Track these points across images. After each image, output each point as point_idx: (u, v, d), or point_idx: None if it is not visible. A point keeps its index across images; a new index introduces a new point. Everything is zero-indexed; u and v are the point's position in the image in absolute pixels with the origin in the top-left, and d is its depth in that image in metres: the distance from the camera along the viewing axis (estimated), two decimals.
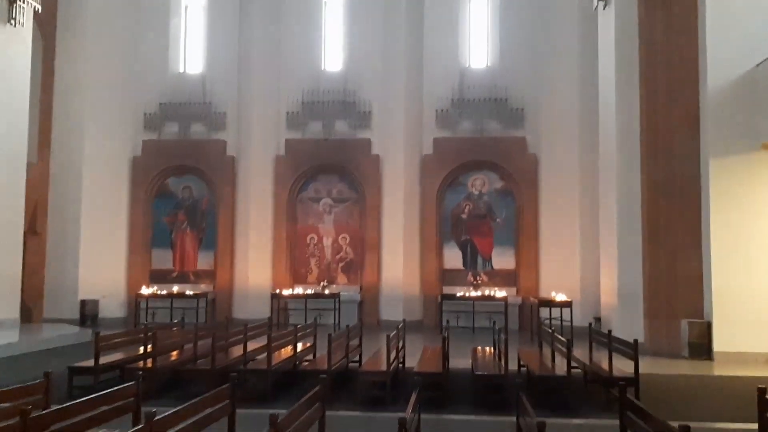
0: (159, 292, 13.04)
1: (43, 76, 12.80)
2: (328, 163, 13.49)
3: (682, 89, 9.00)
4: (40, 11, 11.54)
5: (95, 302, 12.84)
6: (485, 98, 13.18)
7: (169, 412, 3.39)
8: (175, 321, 9.76)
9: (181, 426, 3.43)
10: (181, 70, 14.16)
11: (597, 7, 10.45)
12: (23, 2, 10.89)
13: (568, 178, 12.52)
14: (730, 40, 8.55)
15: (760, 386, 3.97)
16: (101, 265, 13.04)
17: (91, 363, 6.82)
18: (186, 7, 14.36)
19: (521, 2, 13.36)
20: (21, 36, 11.07)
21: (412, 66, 13.36)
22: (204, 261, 13.64)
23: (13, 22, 10.77)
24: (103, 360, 6.99)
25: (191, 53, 14.19)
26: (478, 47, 13.74)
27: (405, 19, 13.30)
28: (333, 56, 14.00)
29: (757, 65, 8.43)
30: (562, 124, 12.61)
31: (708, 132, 8.66)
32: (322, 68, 13.92)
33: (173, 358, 7.76)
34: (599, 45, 10.76)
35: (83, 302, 12.71)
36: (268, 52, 13.62)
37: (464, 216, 13.24)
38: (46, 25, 12.74)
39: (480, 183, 13.26)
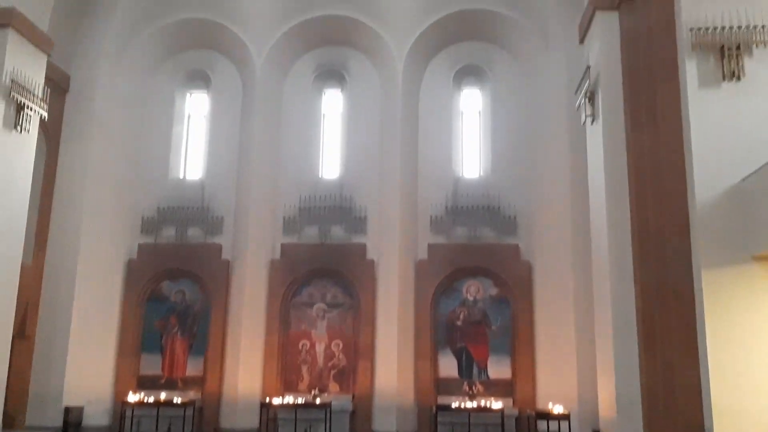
0: (146, 399, 12.68)
1: (44, 180, 13.00)
2: (322, 268, 13.51)
3: (672, 200, 9.16)
4: (46, 119, 11.87)
5: (80, 410, 12.44)
6: (478, 206, 13.43)
7: None
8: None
9: None
10: (181, 176, 14.48)
11: (585, 122, 10.82)
12: (30, 110, 11.21)
13: (563, 285, 12.51)
14: (716, 154, 8.75)
15: None
16: (88, 369, 12.74)
17: None
18: (189, 116, 14.89)
19: (511, 115, 13.89)
20: (26, 142, 11.32)
21: (407, 174, 13.68)
22: (193, 367, 13.35)
23: (19, 128, 11.04)
24: None
25: (192, 159, 14.57)
26: (471, 157, 14.17)
27: (401, 130, 13.71)
28: (330, 163, 14.38)
29: (743, 179, 8.65)
30: (554, 232, 12.75)
31: (699, 243, 8.73)
32: (320, 175, 14.25)
33: None
34: (588, 157, 11.07)
35: (67, 409, 12.29)
36: (267, 158, 13.98)
37: (459, 323, 13.13)
38: (51, 131, 13.07)
39: (474, 289, 13.25)
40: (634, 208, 9.53)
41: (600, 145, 10.17)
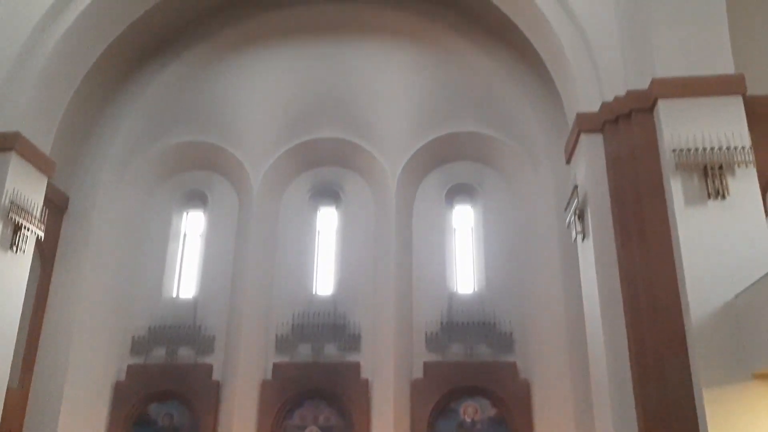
0: None
1: (35, 301, 12.84)
2: (315, 388, 13.15)
3: (667, 317, 9.11)
4: (42, 239, 11.93)
5: None
6: (474, 322, 13.30)
7: None
8: None
9: None
10: (174, 295, 14.39)
11: (576, 239, 10.94)
12: (27, 230, 11.30)
13: (562, 405, 12.13)
14: (707, 271, 8.83)
15: None
16: None
17: None
18: (185, 235, 15.02)
19: (503, 232, 14.04)
20: (21, 263, 11.33)
21: (402, 290, 13.64)
22: None
23: (14, 248, 11.08)
24: None
25: (186, 278, 14.55)
26: (465, 273, 14.20)
27: (394, 246, 13.80)
28: (325, 280, 14.36)
29: (736, 296, 8.66)
30: (551, 349, 12.53)
31: (697, 362, 8.63)
32: (314, 292, 14.20)
33: None
34: (581, 274, 11.10)
35: None
36: (261, 276, 13.96)
37: None
38: (46, 251, 13.08)
39: (472, 411, 12.86)
40: (630, 327, 9.43)
41: (592, 264, 10.22)
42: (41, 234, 11.71)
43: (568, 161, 11.50)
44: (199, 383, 13.24)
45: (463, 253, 14.40)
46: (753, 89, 9.77)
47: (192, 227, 15.08)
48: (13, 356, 11.23)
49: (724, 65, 9.88)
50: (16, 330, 11.18)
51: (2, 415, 10.80)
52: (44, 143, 11.98)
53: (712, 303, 8.75)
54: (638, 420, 9.07)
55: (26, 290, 11.61)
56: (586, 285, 10.92)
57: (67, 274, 13.34)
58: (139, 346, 13.62)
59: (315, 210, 14.93)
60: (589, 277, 10.59)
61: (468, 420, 12.83)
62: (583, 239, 10.73)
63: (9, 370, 11.01)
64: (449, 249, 14.34)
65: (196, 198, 15.04)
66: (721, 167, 9.26)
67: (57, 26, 11.69)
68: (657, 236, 9.46)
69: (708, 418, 8.34)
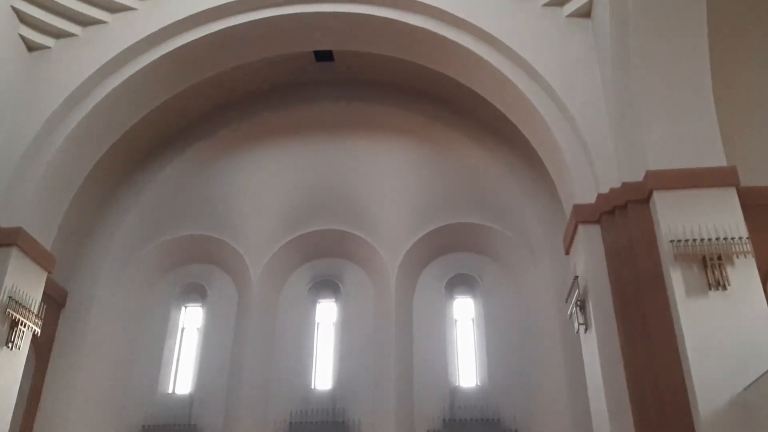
0: None
1: (29, 398, 12.54)
2: None
3: (675, 413, 8.83)
4: (39, 335, 11.78)
5: None
6: (477, 419, 12.93)
7: None
8: None
9: None
10: (170, 391, 14.07)
11: (578, 330, 10.80)
12: (24, 326, 11.15)
13: None
14: (713, 364, 8.64)
15: None
16: None
17: None
18: (182, 329, 14.85)
19: (505, 323, 13.88)
20: (16, 360, 11.10)
21: (402, 384, 13.34)
22: None
23: (10, 345, 10.90)
24: None
25: (182, 374, 14.28)
26: (467, 366, 13.92)
27: (395, 339, 13.62)
28: (323, 374, 14.08)
29: (745, 388, 8.45)
30: None
31: None
32: (312, 386, 13.89)
33: None
34: (585, 367, 10.86)
35: None
36: (259, 371, 13.69)
37: None
38: (42, 347, 12.89)
39: None
40: (636, 422, 9.12)
41: (596, 356, 10.01)
42: (38, 330, 11.56)
43: (567, 252, 11.50)
44: None
45: (465, 346, 14.18)
46: (746, 181, 9.90)
47: (190, 321, 14.94)
48: None
49: (715, 158, 10.05)
50: (8, 428, 10.83)
51: None
52: (46, 239, 12.02)
53: (719, 398, 8.52)
54: None
55: (20, 386, 11.32)
56: (591, 379, 10.66)
57: (62, 369, 13.08)
58: None
59: (314, 303, 14.84)
60: (594, 371, 10.34)
61: None
62: (585, 330, 10.58)
63: None
64: (450, 341, 14.13)
65: (195, 292, 14.98)
66: (720, 258, 9.23)
67: (61, 128, 11.97)
68: (659, 328, 9.30)
69: None
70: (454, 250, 14.58)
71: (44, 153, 11.85)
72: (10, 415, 10.94)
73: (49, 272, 12.09)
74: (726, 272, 9.19)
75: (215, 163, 14.83)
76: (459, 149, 14.27)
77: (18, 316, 10.97)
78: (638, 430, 9.11)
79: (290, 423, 13.25)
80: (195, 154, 14.70)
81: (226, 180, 14.81)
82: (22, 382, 11.44)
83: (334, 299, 14.85)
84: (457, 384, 13.64)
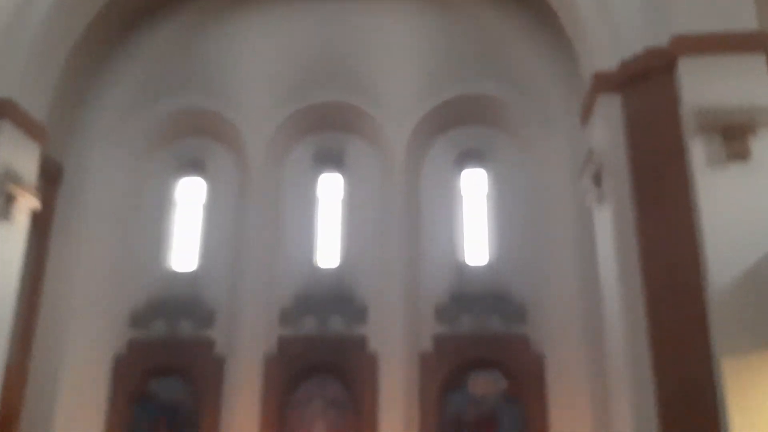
0: None
1: (32, 277, 12.54)
2: (321, 363, 12.86)
3: (687, 286, 8.76)
4: (38, 209, 11.61)
5: None
6: (485, 293, 12.91)
7: None
8: None
9: None
10: (174, 267, 14.02)
11: (592, 204, 10.56)
12: (22, 200, 10.96)
13: (576, 379, 11.81)
14: (728, 237, 8.53)
15: None
16: None
17: None
18: (183, 204, 14.56)
19: (516, 199, 13.55)
20: (16, 234, 10.98)
21: (410, 260, 13.24)
22: None
23: (9, 219, 10.75)
24: None
25: (185, 249, 14.15)
26: (476, 242, 13.71)
27: (402, 215, 13.38)
28: (329, 251, 13.96)
29: (757, 261, 8.28)
30: (566, 321, 12.17)
31: (717, 333, 8.31)
32: (317, 264, 13.81)
33: None
34: (598, 242, 10.70)
35: None
36: (263, 247, 13.55)
37: (468, 421, 12.35)
38: (41, 224, 12.73)
39: (483, 385, 12.53)
40: (648, 297, 9.05)
41: (609, 231, 9.83)
42: (37, 203, 11.37)
43: (584, 123, 11.02)
44: (202, 358, 12.95)
45: (474, 222, 13.91)
46: None
47: (191, 196, 14.56)
48: (11, 330, 10.95)
49: (746, 20, 9.46)
50: (13, 305, 10.87)
51: (1, 390, 10.57)
52: (38, 111, 11.56)
53: (732, 270, 8.42)
54: (656, 395, 8.71)
55: (23, 264, 11.27)
56: (602, 253, 10.50)
57: (64, 245, 13.04)
58: (138, 319, 13.30)
59: (318, 177, 14.35)
60: (606, 245, 10.18)
61: (479, 394, 12.51)
62: (599, 205, 10.32)
63: (7, 346, 10.71)
64: (459, 217, 13.84)
65: (194, 166, 14.48)
66: (743, 128, 8.86)
67: None
68: (676, 203, 9.07)
69: (726, 390, 8.05)
70: (464, 123, 13.96)
71: (30, 22, 11.12)
72: (16, 286, 10.91)
73: (42, 145, 11.73)
74: (748, 143, 8.84)
75: (208, 28, 14.10)
76: (472, 11, 13.40)
77: (15, 189, 10.73)
78: (649, 305, 9.05)
79: (296, 300, 13.29)
80: (188, 18, 13.91)
81: (220, 48, 14.07)
82: (24, 262, 11.37)
83: (339, 173, 14.34)
84: (464, 260, 13.52)
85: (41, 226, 12.80)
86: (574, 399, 11.73)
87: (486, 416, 12.37)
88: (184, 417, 12.84)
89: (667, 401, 8.60)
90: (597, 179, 10.22)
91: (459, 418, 12.40)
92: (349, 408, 12.68)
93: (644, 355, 8.96)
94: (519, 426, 12.21)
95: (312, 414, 12.75)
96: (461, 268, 13.34)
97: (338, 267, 13.67)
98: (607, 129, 9.94)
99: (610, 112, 9.95)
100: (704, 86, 9.13)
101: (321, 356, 12.87)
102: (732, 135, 8.83)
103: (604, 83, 10.06)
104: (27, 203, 11.15)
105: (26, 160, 11.23)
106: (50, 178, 12.95)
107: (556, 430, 11.77)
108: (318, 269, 13.70)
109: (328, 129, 14.31)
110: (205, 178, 14.50)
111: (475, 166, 14.10)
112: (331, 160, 14.34)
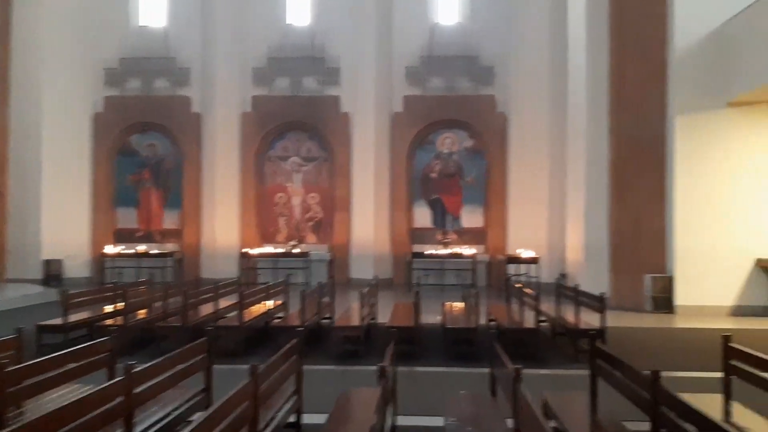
0: (124, 251, 12.88)
1: None
2: (296, 121, 13.32)
3: (651, 46, 9.03)
4: None
5: (59, 262, 12.61)
6: (455, 55, 13.09)
7: (147, 365, 3.36)
8: (142, 280, 9.59)
9: (158, 379, 3.41)
10: (143, 24, 13.69)
11: None
12: None
13: (537, 137, 12.50)
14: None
15: (724, 334, 4.09)
16: (64, 224, 12.79)
17: (59, 321, 6.72)
18: None
19: None
20: None
21: (382, 21, 13.14)
22: (170, 220, 13.48)
23: None
24: (71, 318, 6.87)
25: (153, 6, 13.71)
26: (449, 3, 13.53)
27: None
28: (300, 10, 13.67)
29: (724, 23, 8.52)
30: (531, 83, 12.51)
31: (675, 90, 8.76)
32: (289, 22, 13.60)
33: (141, 316, 7.61)
34: (569, 3, 10.72)
35: (47, 262, 12.48)
36: (232, 4, 13.24)
37: (434, 175, 13.27)
38: None
39: (450, 142, 13.26)
40: (613, 57, 9.35)
41: None
42: None
43: None
44: (179, 115, 13.28)
45: None
46: None
47: None
48: None
49: None
50: None
51: None
52: None
53: (699, 29, 8.66)
54: (609, 148, 9.42)
55: None
56: (572, 13, 10.62)
57: (27, 2, 12.52)
58: (112, 77, 13.34)
59: None
60: (577, 4, 10.24)
61: (445, 151, 13.28)
62: None
63: None
64: None
65: None
66: None
67: None
68: None
69: (676, 145, 8.70)
70: None
71: None
72: None
73: None
74: None
75: None
76: None
77: None
78: (613, 63, 9.34)
79: (268, 58, 13.31)
80: None
81: None
82: None
83: None
84: (437, 21, 13.45)
85: None
86: (534, 155, 12.51)
87: (451, 169, 13.27)
88: (167, 170, 13.51)
89: (620, 156, 9.28)
90: None
91: (426, 170, 13.29)
92: (324, 163, 13.42)
93: (603, 110, 9.52)
94: (481, 176, 13.16)
95: (289, 167, 13.50)
96: (433, 28, 13.30)
97: (309, 25, 13.50)
98: None
99: None
100: None
101: (295, 115, 13.27)
102: None
103: None
104: None
105: None
106: None
107: (514, 179, 12.74)
108: (289, 27, 13.53)
109: None
110: None
111: None
112: None
